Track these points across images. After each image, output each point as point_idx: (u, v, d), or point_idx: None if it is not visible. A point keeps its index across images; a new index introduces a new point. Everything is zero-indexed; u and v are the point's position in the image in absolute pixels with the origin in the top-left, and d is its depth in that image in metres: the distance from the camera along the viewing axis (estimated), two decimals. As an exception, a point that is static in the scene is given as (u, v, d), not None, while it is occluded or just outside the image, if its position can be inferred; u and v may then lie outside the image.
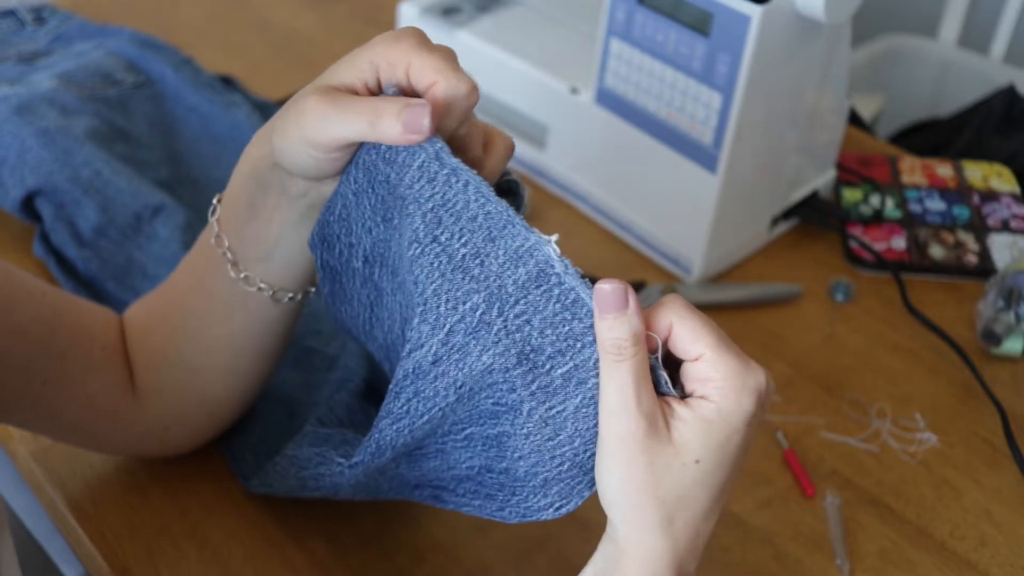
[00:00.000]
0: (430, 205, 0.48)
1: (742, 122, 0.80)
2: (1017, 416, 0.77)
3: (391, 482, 0.58)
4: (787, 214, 0.92)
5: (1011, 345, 0.82)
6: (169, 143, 0.96)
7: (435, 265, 0.48)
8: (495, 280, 0.47)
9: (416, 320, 0.48)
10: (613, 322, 0.45)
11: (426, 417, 0.50)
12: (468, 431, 0.52)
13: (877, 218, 0.94)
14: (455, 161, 0.48)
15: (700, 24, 0.79)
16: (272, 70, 1.11)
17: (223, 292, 0.60)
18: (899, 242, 0.92)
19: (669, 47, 0.82)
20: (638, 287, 0.85)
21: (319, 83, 0.51)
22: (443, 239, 0.48)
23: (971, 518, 0.71)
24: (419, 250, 0.48)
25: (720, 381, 0.46)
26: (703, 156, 0.83)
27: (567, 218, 0.94)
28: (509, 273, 0.47)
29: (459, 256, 0.47)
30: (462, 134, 0.51)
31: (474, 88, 0.49)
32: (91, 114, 0.91)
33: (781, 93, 0.82)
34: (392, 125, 0.48)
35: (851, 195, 0.96)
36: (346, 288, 0.57)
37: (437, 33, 1.00)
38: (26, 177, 0.82)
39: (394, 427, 0.51)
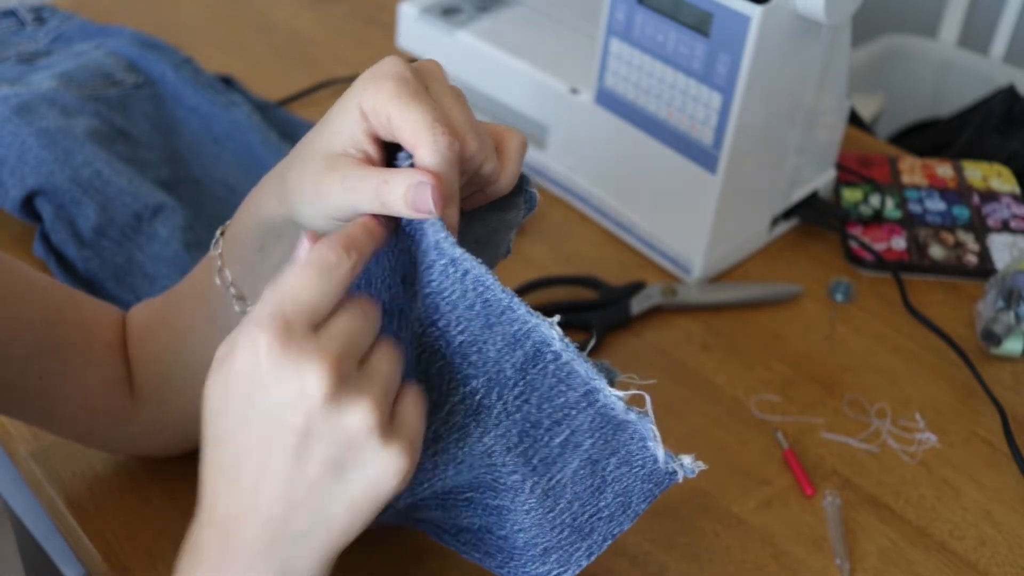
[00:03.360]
0: (427, 291, 0.48)
1: (742, 122, 0.80)
2: (1017, 416, 0.77)
3: (392, 518, 0.58)
4: (787, 214, 0.92)
5: (1011, 345, 0.82)
6: (169, 143, 0.96)
7: (435, 348, 0.48)
8: (493, 366, 0.47)
9: (429, 381, 0.49)
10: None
11: (425, 485, 0.50)
12: (469, 495, 0.52)
13: (877, 218, 0.94)
14: (455, 251, 0.47)
15: (700, 24, 0.79)
16: (272, 70, 1.11)
17: (225, 320, 0.59)
18: (899, 242, 0.92)
19: (669, 47, 0.82)
20: (638, 287, 0.85)
21: (327, 148, 0.50)
22: (440, 325, 0.48)
23: (971, 518, 0.71)
24: (421, 329, 0.48)
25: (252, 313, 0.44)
26: (703, 156, 0.83)
27: (567, 218, 0.95)
28: (507, 358, 0.47)
29: (456, 343, 0.47)
30: (469, 155, 0.50)
31: (453, 141, 0.48)
32: (91, 114, 0.91)
33: (781, 93, 0.82)
34: (401, 208, 0.47)
35: (851, 195, 0.96)
36: None
37: (437, 33, 1.00)
38: (26, 177, 0.82)
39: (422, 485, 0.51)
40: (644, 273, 0.89)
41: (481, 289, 0.47)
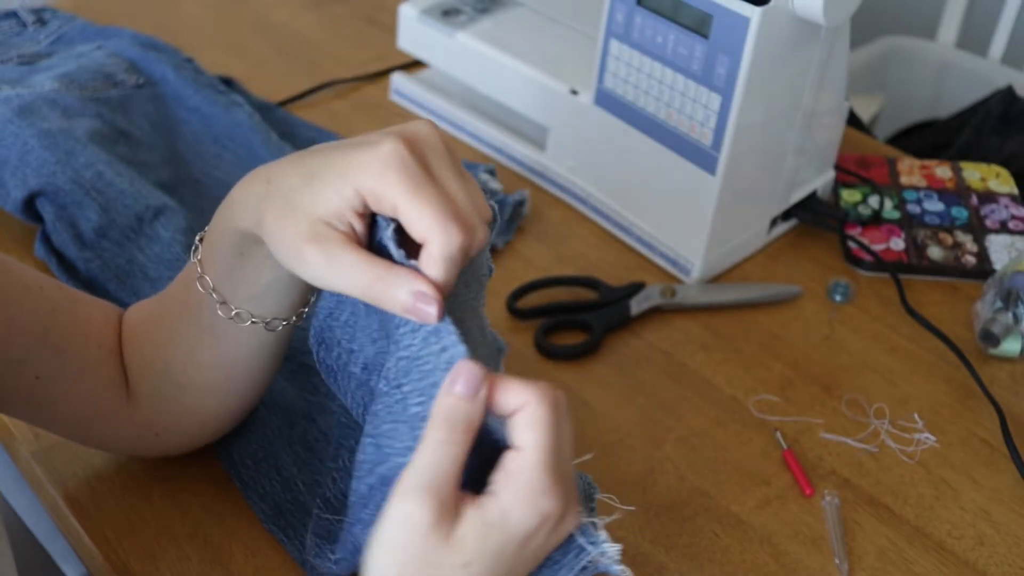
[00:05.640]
0: (405, 354, 0.48)
1: (741, 123, 0.80)
2: (1015, 416, 0.77)
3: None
4: (786, 215, 0.93)
5: (1009, 346, 0.82)
6: (170, 144, 0.96)
7: (394, 409, 0.48)
8: None
9: (377, 440, 0.49)
10: (463, 402, 0.45)
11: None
12: None
13: (875, 219, 0.95)
14: (440, 321, 0.47)
15: (699, 26, 0.79)
16: (273, 71, 1.11)
17: (211, 323, 0.59)
18: (897, 243, 0.92)
19: (668, 49, 0.82)
20: (638, 288, 0.85)
21: (311, 209, 0.48)
22: (405, 390, 0.48)
23: (969, 518, 0.71)
24: (387, 388, 0.49)
25: (520, 487, 0.44)
26: (702, 157, 0.83)
27: (567, 219, 0.95)
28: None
29: (411, 412, 0.48)
30: (478, 246, 0.49)
31: (465, 240, 0.47)
32: (92, 115, 0.91)
33: (780, 94, 0.83)
34: (395, 311, 0.47)
35: (850, 196, 0.97)
36: (341, 385, 0.57)
37: (437, 35, 1.00)
38: (28, 178, 0.83)
39: (365, 532, 0.51)
40: (644, 274, 0.89)
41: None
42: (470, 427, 0.45)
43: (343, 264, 0.48)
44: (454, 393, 0.45)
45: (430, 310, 0.47)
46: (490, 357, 0.59)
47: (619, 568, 0.48)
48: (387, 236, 0.48)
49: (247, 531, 0.66)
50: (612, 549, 0.48)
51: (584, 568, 0.48)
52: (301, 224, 0.49)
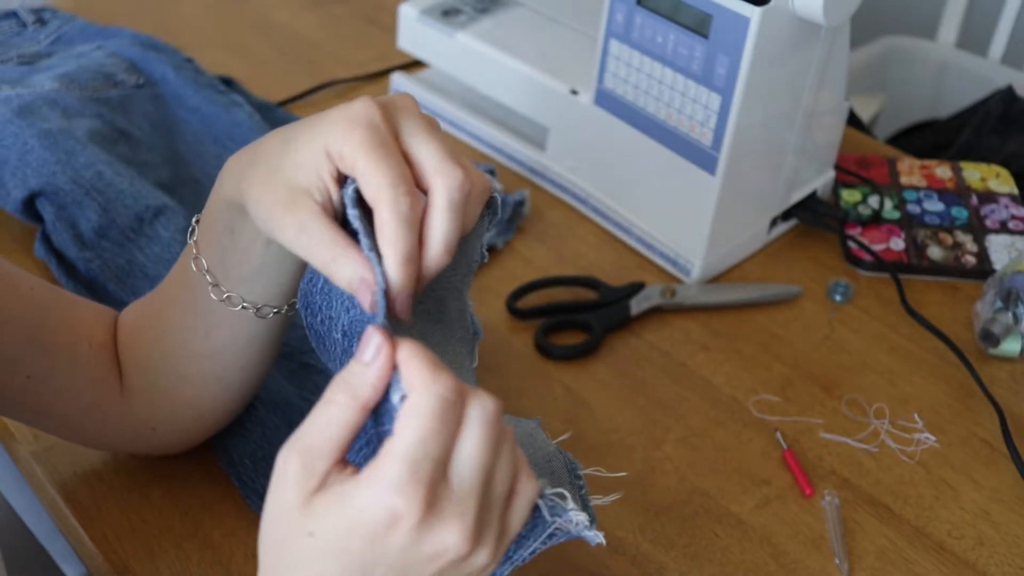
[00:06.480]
0: (346, 320, 0.49)
1: (741, 123, 0.80)
2: (1015, 416, 0.77)
3: None
4: (786, 215, 0.93)
5: (1009, 346, 0.82)
6: (170, 144, 0.96)
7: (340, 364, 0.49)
8: None
9: None
10: (356, 365, 0.44)
11: None
12: None
13: (875, 219, 0.95)
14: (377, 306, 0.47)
15: (699, 26, 0.79)
16: (273, 71, 1.11)
17: (205, 308, 0.60)
18: (897, 243, 0.92)
19: (668, 49, 0.82)
20: (638, 288, 0.85)
21: (290, 177, 0.49)
22: (349, 348, 0.49)
23: (969, 518, 0.71)
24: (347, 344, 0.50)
25: (375, 472, 0.42)
26: (702, 157, 0.83)
27: (567, 219, 0.95)
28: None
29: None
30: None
31: (414, 203, 0.47)
32: (93, 115, 0.91)
33: (780, 94, 0.83)
34: (342, 284, 0.48)
35: (850, 196, 0.97)
36: (329, 350, 0.58)
37: (437, 35, 1.00)
38: (28, 178, 0.83)
39: None
40: (644, 274, 0.89)
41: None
42: (354, 392, 0.44)
43: (311, 235, 0.48)
44: (354, 356, 0.45)
45: (364, 296, 0.47)
46: (464, 340, 0.60)
47: (594, 534, 0.48)
48: (352, 215, 0.49)
49: (247, 531, 0.66)
50: (579, 517, 0.48)
51: (551, 536, 0.48)
52: (280, 191, 0.49)
